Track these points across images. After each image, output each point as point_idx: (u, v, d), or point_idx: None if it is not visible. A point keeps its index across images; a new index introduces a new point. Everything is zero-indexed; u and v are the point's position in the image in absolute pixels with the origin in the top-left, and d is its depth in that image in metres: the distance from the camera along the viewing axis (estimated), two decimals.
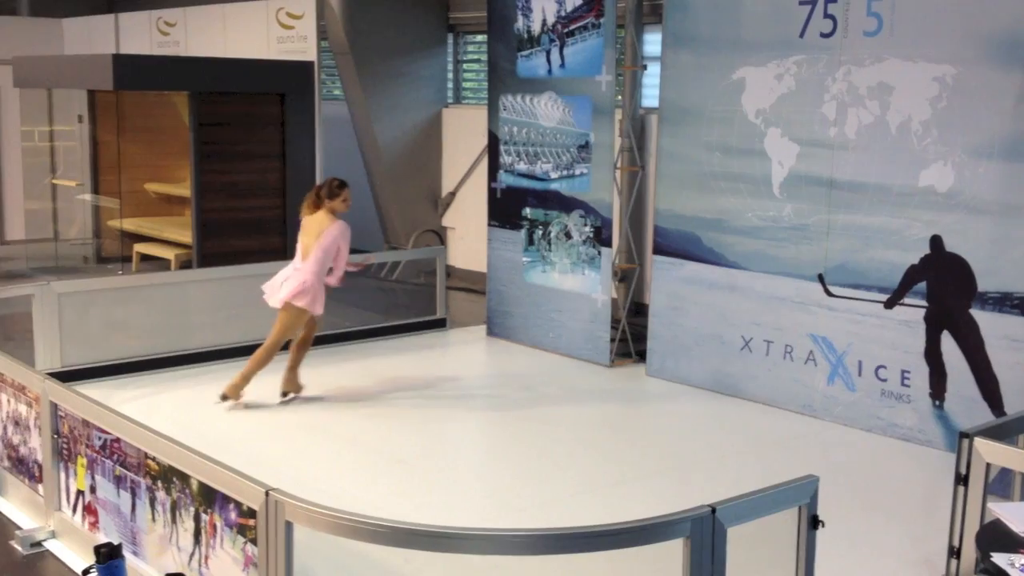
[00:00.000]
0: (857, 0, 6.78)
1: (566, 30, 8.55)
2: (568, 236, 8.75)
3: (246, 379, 7.26)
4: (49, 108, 13.02)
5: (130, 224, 11.87)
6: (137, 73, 10.44)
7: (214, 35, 13.00)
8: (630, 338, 8.73)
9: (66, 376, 7.10)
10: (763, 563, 3.97)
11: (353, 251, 7.53)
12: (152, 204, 12.33)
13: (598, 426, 7.23)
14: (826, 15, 6.95)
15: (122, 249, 11.90)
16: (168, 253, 11.29)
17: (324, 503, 3.60)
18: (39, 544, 5.19)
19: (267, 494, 3.71)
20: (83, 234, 12.82)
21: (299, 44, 11.66)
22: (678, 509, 3.42)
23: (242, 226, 10.70)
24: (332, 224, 7.15)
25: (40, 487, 5.34)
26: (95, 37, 15.03)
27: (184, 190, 11.26)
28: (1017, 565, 3.82)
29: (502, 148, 9.25)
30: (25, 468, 5.50)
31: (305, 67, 11.13)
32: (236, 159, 10.67)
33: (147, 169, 12.24)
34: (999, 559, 3.93)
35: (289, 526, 3.66)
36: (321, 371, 8.34)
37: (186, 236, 10.94)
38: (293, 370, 7.50)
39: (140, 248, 11.76)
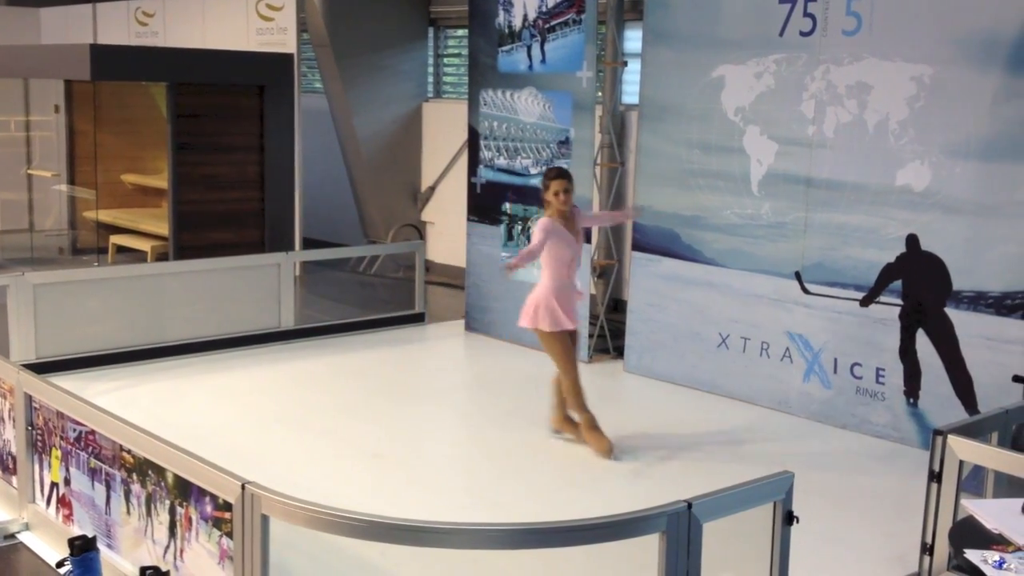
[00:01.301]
0: None
1: (547, 26, 8.55)
2: None
3: (577, 411, 6.54)
4: (26, 98, 12.92)
5: (106, 215, 11.79)
6: (115, 63, 10.36)
7: (193, 26, 12.94)
8: (608, 334, 8.75)
9: (41, 368, 7.05)
10: (738, 558, 4.00)
11: (336, 245, 7.48)
12: (129, 195, 12.26)
13: None
14: (806, 14, 6.97)
15: (98, 240, 11.82)
16: (144, 245, 11.23)
17: (301, 497, 3.59)
18: (13, 536, 5.16)
19: (243, 487, 3.70)
20: (59, 225, 12.74)
21: (279, 36, 11.62)
22: (654, 504, 3.43)
23: (220, 218, 10.65)
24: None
25: (14, 479, 5.30)
26: (72, 27, 14.94)
27: (161, 182, 11.20)
28: (990, 561, 3.86)
29: (482, 143, 9.24)
30: None
31: (284, 59, 11.08)
32: (214, 151, 10.62)
33: (124, 160, 12.16)
34: (972, 555, 3.96)
35: (265, 520, 3.65)
36: (298, 365, 8.33)
37: (163, 228, 10.88)
38: (559, 408, 6.66)
39: (116, 239, 11.69)
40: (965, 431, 4.38)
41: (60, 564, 4.48)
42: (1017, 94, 6.05)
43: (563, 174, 6.34)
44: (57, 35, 15.18)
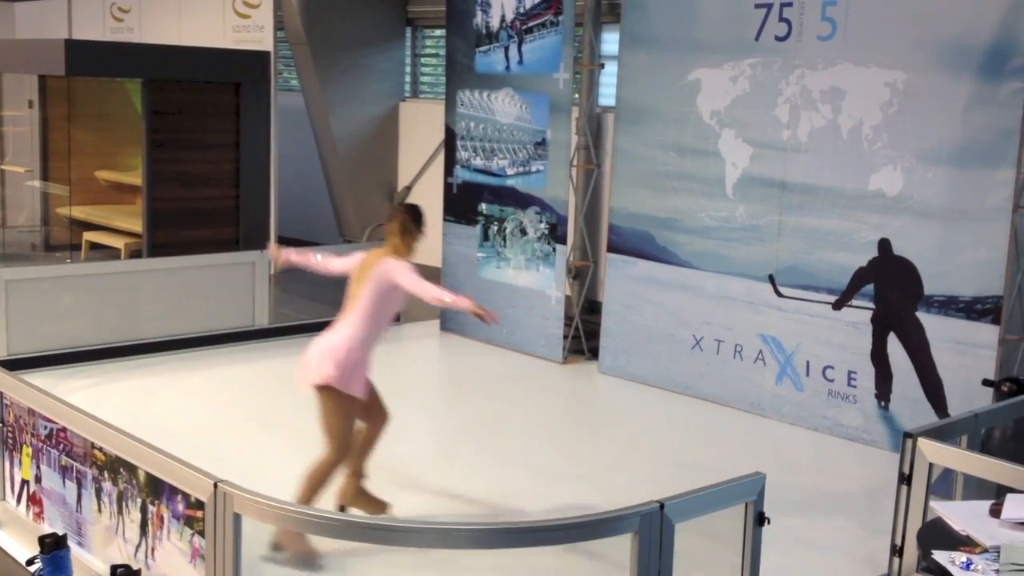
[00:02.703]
0: (812, 4, 6.86)
1: (525, 27, 8.56)
2: (523, 232, 8.77)
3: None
4: None
5: (80, 212, 11.70)
6: (89, 59, 10.29)
7: (169, 22, 12.86)
8: (583, 335, 8.76)
9: (12, 364, 6.98)
10: (710, 559, 4.02)
11: (312, 244, 7.45)
12: (102, 192, 12.16)
13: (550, 422, 7.25)
14: (781, 19, 7.02)
15: (71, 237, 11.72)
16: (118, 242, 11.16)
17: (273, 495, 3.59)
18: None
19: (215, 486, 3.69)
20: (31, 221, 12.62)
21: (255, 33, 11.57)
22: (627, 505, 3.45)
23: (194, 216, 10.59)
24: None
25: None
26: (47, 22, 14.81)
27: (135, 178, 11.12)
28: (957, 563, 3.89)
29: (459, 143, 9.24)
30: None
31: (261, 57, 11.03)
32: (189, 148, 10.55)
33: (98, 157, 12.07)
34: (940, 557, 4.00)
35: (237, 518, 3.64)
36: (272, 364, 8.30)
37: (136, 225, 10.81)
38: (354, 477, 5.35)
39: (89, 236, 11.60)
40: (935, 434, 4.42)
41: (30, 562, 4.45)
42: (989, 100, 6.12)
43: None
44: (32, 30, 15.05)
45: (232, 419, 6.99)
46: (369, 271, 5.16)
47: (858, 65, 6.66)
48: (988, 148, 6.14)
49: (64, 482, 4.68)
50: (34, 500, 4.93)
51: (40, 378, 6.51)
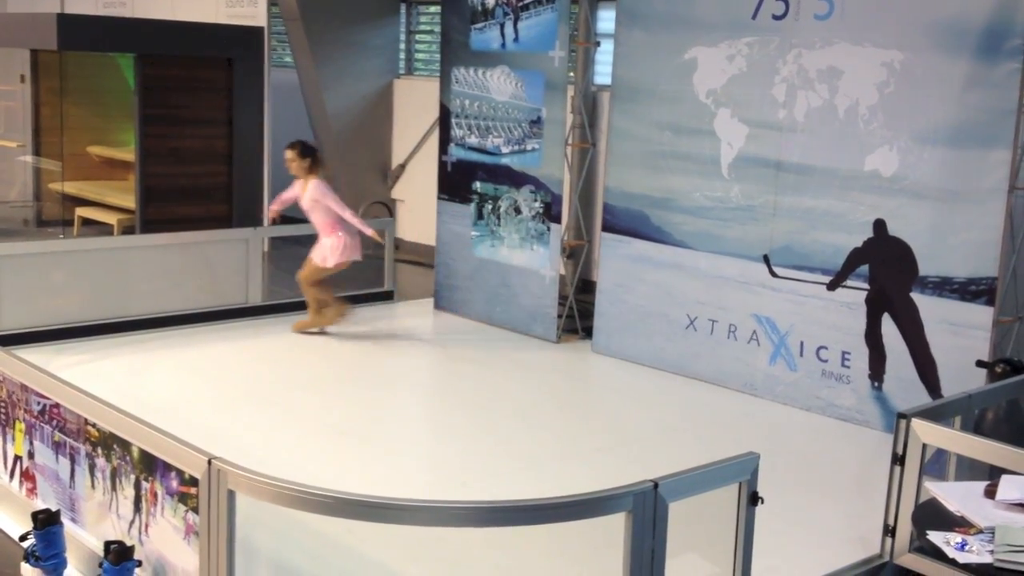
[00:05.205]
0: None
1: (520, 4, 8.51)
2: (518, 211, 8.75)
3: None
4: None
5: (72, 187, 11.65)
6: (82, 34, 10.22)
7: None
8: (577, 315, 8.76)
9: (5, 340, 6.97)
10: (703, 538, 4.03)
11: (305, 221, 7.52)
12: (95, 168, 12.11)
13: (543, 402, 7.25)
14: None
15: (63, 213, 11.68)
16: (110, 218, 11.12)
17: (267, 472, 3.58)
18: None
19: (209, 462, 3.68)
20: (23, 197, 12.58)
21: (248, 9, 11.51)
22: (621, 484, 3.45)
23: (187, 192, 10.55)
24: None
25: None
26: None
27: (128, 154, 11.08)
28: (952, 543, 3.92)
29: (453, 121, 9.20)
30: None
31: (254, 32, 10.97)
32: (182, 124, 10.50)
33: (90, 132, 12.01)
34: (935, 537, 4.02)
35: (231, 495, 3.64)
36: (266, 341, 8.29)
37: (129, 201, 10.77)
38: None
39: (82, 212, 11.56)
40: (929, 414, 4.43)
41: (23, 538, 4.45)
42: (985, 81, 6.10)
43: (291, 145, 8.26)
44: (24, 4, 14.95)
45: (226, 396, 6.98)
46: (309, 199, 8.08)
47: (855, 45, 6.64)
48: (984, 129, 6.13)
49: (57, 458, 4.67)
50: (27, 476, 4.92)
51: (32, 354, 6.48)
